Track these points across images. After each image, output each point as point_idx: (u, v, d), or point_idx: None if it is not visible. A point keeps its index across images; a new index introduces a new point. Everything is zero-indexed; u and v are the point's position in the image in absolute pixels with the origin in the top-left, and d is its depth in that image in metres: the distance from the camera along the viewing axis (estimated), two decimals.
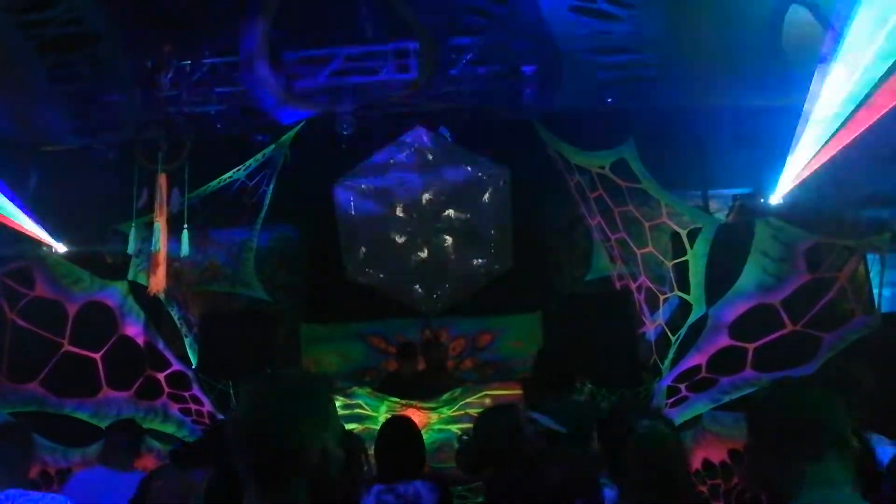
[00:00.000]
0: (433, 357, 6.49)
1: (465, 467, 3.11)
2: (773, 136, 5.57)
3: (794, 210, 5.53)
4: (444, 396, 5.86)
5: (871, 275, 5.34)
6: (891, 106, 4.30)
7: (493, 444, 2.66)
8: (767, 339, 4.77)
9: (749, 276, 4.86)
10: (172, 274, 5.80)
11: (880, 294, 5.08)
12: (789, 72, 5.06)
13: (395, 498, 2.81)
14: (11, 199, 5.91)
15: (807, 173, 5.05)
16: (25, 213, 6.03)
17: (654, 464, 2.15)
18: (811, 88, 4.54)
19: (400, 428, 3.36)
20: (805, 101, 4.71)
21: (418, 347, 6.67)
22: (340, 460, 1.42)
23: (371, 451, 3.28)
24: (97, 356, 5.29)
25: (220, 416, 5.71)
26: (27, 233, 6.10)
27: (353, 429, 5.07)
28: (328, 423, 1.42)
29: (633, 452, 2.20)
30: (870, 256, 5.24)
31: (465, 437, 3.65)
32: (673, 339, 5.31)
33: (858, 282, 4.91)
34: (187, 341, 6.47)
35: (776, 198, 5.84)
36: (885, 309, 5.05)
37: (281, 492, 1.35)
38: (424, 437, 5.58)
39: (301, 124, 6.65)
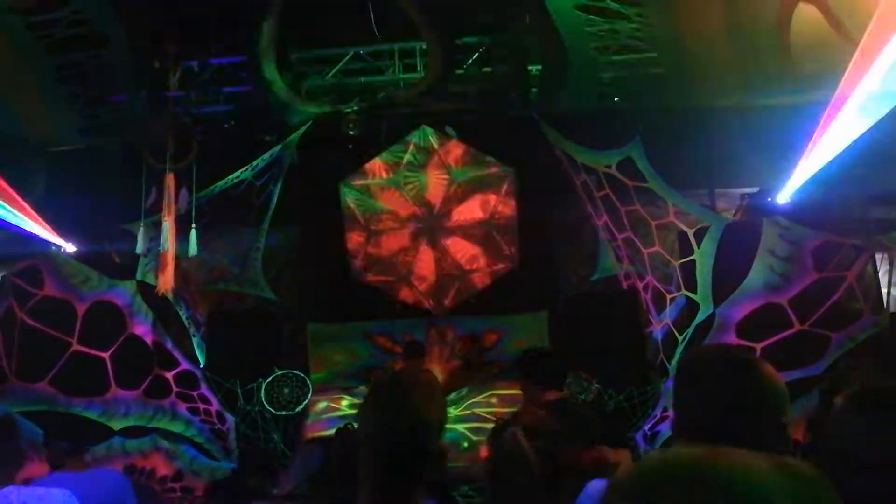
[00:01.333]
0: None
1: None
2: (780, 134, 5.55)
3: (802, 209, 5.51)
4: (451, 396, 5.87)
5: (880, 274, 5.32)
6: None
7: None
8: (775, 338, 4.77)
9: (756, 275, 4.85)
10: (180, 273, 5.81)
11: (889, 293, 5.06)
12: (797, 70, 5.04)
13: None
14: (19, 199, 5.94)
15: (814, 172, 5.02)
16: (34, 213, 6.06)
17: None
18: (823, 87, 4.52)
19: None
20: (814, 99, 4.69)
21: (423, 345, 6.71)
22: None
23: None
24: (106, 355, 5.32)
25: (228, 415, 5.74)
26: (35, 233, 6.13)
27: None
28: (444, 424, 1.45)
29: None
30: (878, 255, 5.22)
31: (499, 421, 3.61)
32: (680, 338, 5.30)
33: (867, 281, 4.89)
34: (195, 340, 6.49)
35: (784, 197, 5.82)
36: (893, 308, 5.03)
37: (408, 490, 1.34)
38: None
39: (308, 124, 6.66)
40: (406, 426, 1.36)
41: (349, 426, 2.89)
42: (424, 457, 1.35)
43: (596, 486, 2.64)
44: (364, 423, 1.45)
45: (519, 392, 5.46)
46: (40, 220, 6.23)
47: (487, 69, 6.61)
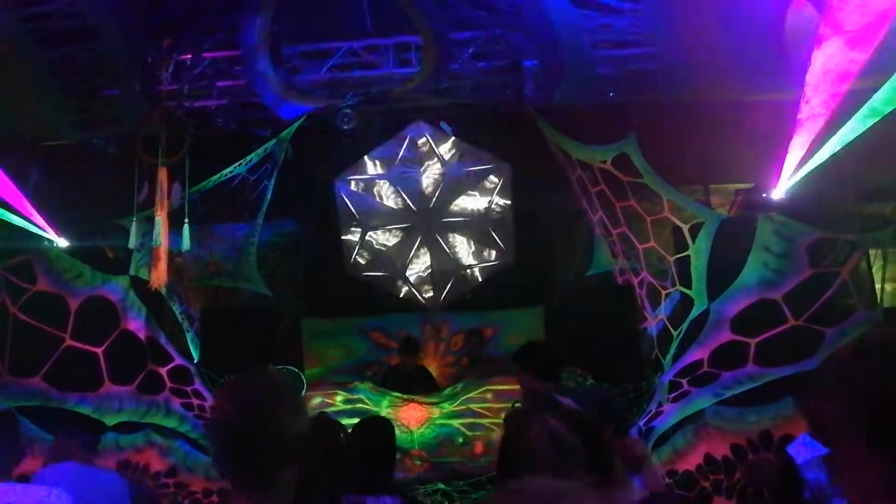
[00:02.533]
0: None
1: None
2: (774, 130, 5.56)
3: (796, 205, 5.52)
4: (446, 391, 5.87)
5: (873, 270, 5.34)
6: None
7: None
8: (769, 333, 4.78)
9: (751, 270, 4.86)
10: (174, 268, 5.79)
11: (882, 289, 5.08)
12: (791, 66, 5.04)
13: None
14: (12, 194, 5.90)
15: (808, 168, 5.03)
16: (26, 207, 6.02)
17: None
18: (811, 80, 4.53)
19: (372, 434, 3.12)
20: (805, 94, 4.69)
21: (419, 340, 6.71)
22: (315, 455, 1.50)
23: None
24: (99, 351, 5.30)
25: None
26: (28, 228, 6.10)
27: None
28: (304, 419, 1.53)
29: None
30: (871, 251, 5.24)
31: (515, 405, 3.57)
32: (675, 333, 5.31)
33: (860, 277, 4.91)
34: (189, 336, 6.47)
35: (778, 192, 5.83)
36: (886, 304, 5.06)
37: (270, 488, 1.42)
38: (426, 431, 5.65)
39: (302, 119, 6.63)
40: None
41: (322, 415, 2.88)
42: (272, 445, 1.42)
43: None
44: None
45: (514, 387, 5.48)
46: (33, 214, 6.20)
47: (483, 64, 6.59)
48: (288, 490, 1.44)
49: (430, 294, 7.58)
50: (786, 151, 5.21)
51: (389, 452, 3.10)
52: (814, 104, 4.60)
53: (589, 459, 1.88)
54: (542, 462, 1.76)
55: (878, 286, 5.16)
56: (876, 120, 4.47)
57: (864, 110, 4.53)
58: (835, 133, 4.83)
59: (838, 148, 4.77)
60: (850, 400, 1.06)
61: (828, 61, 4.30)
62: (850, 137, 4.67)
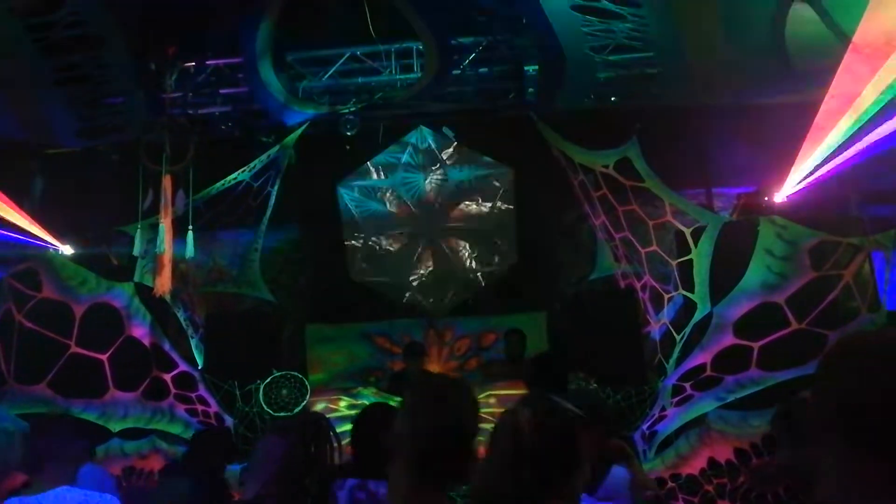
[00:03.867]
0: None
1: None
2: (777, 134, 5.56)
3: (799, 208, 5.51)
4: None
5: (876, 272, 5.33)
6: None
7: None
8: (772, 337, 4.78)
9: (754, 274, 4.86)
10: (178, 275, 5.81)
11: (885, 291, 5.07)
12: (793, 69, 5.05)
13: (368, 496, 2.69)
14: (16, 202, 5.94)
15: (813, 172, 5.03)
16: (30, 215, 6.05)
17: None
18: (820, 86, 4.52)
19: (377, 416, 3.01)
20: (811, 98, 4.70)
21: (423, 345, 6.71)
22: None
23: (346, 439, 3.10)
24: (104, 357, 5.32)
25: (227, 416, 5.74)
26: (33, 235, 6.13)
27: None
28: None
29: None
30: (875, 254, 5.23)
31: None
32: (678, 337, 5.31)
33: (863, 279, 4.90)
34: (193, 342, 6.48)
35: (780, 196, 5.83)
36: (890, 307, 5.04)
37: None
38: None
39: (305, 125, 6.66)
40: (445, 431, 1.44)
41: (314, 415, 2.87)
42: (457, 461, 1.42)
43: (619, 472, 2.62)
44: (402, 423, 1.52)
45: (519, 392, 5.49)
46: (38, 222, 6.24)
47: (484, 69, 6.62)
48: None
49: (434, 299, 7.58)
50: (788, 155, 5.21)
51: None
52: (830, 109, 4.56)
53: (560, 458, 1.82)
54: (500, 453, 1.72)
55: (881, 288, 5.15)
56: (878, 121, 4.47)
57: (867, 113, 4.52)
58: (839, 136, 4.83)
59: (845, 153, 4.76)
60: (824, 401, 1.08)
61: (846, 69, 4.28)
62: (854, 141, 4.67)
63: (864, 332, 1.12)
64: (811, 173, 5.00)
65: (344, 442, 2.94)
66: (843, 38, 4.25)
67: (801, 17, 4.73)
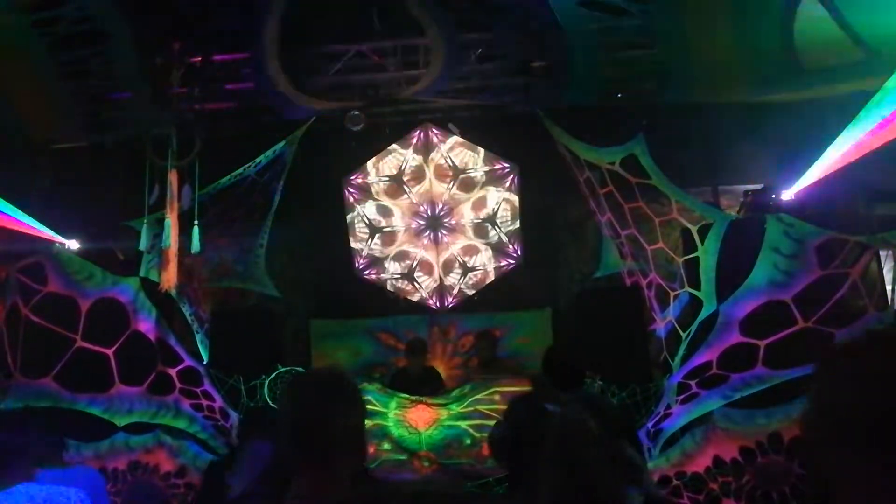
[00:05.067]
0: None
1: (494, 453, 3.04)
2: (784, 131, 5.54)
3: (806, 206, 5.49)
4: (454, 393, 5.88)
5: (884, 271, 5.31)
6: None
7: (525, 429, 2.58)
8: (779, 335, 4.76)
9: (760, 272, 4.84)
10: (184, 270, 5.82)
11: (893, 290, 5.04)
12: (802, 67, 5.02)
13: None
14: (23, 197, 5.95)
15: (827, 171, 5.00)
16: (34, 212, 6.06)
17: (567, 449, 2.07)
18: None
19: None
20: (819, 95, 4.67)
21: (425, 341, 6.71)
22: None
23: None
24: (110, 352, 5.33)
25: (232, 411, 5.75)
26: (39, 230, 6.15)
27: None
28: (364, 412, 1.72)
29: (550, 437, 2.12)
30: (882, 252, 5.20)
31: (495, 429, 3.60)
32: (683, 335, 5.29)
33: (871, 278, 4.87)
34: (198, 337, 6.50)
35: (788, 193, 5.80)
36: None
37: (334, 478, 1.57)
38: (434, 432, 5.66)
39: (311, 121, 6.65)
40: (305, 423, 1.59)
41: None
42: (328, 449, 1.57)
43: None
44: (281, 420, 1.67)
45: (523, 389, 5.49)
46: (44, 217, 6.26)
47: (490, 65, 6.60)
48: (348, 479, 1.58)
49: (438, 295, 7.58)
50: (796, 152, 5.19)
51: None
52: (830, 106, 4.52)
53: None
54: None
55: (888, 287, 5.12)
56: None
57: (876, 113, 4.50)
58: (849, 135, 4.81)
59: (855, 152, 4.74)
60: (818, 404, 1.12)
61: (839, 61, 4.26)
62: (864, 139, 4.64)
63: (849, 340, 1.15)
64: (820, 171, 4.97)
65: None
66: (853, 35, 4.22)
67: (811, 14, 4.70)
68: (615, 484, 2.05)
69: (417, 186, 7.43)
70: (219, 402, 5.74)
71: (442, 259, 7.56)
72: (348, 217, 7.49)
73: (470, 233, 7.55)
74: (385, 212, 7.58)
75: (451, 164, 7.33)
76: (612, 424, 2.59)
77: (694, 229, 5.28)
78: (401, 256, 7.65)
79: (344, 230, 7.51)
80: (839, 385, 1.10)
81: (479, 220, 7.47)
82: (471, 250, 7.58)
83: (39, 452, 2.61)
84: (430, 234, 7.53)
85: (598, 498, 1.94)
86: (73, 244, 6.42)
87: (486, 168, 7.36)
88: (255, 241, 7.17)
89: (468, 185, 7.43)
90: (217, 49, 6.41)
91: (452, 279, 7.58)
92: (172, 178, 5.31)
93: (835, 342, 1.15)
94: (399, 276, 7.65)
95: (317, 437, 1.56)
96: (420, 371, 6.45)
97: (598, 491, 1.94)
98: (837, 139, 4.78)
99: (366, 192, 7.51)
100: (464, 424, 5.65)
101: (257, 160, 6.59)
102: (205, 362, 6.11)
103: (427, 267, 7.62)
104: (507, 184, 7.36)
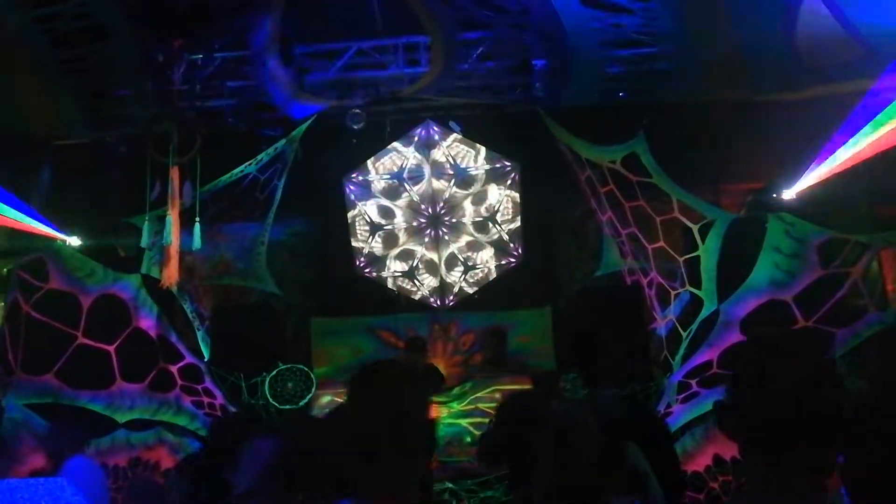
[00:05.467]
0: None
1: (487, 458, 3.03)
2: (785, 130, 5.53)
3: (807, 205, 5.49)
4: (455, 390, 5.89)
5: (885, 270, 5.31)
6: None
7: (517, 430, 2.57)
8: None
9: (761, 271, 4.84)
10: (185, 267, 5.82)
11: (894, 289, 5.04)
12: (803, 65, 5.01)
13: None
14: (24, 193, 5.95)
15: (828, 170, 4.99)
16: (35, 209, 6.06)
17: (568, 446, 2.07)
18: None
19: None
20: (820, 95, 4.67)
21: (427, 341, 6.70)
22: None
23: None
24: (111, 348, 5.34)
25: (232, 409, 5.76)
26: (40, 227, 6.15)
27: None
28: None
29: (549, 431, 2.12)
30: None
31: (486, 429, 3.58)
32: (684, 334, 5.29)
33: (872, 277, 4.88)
34: (199, 334, 6.51)
35: (789, 193, 5.80)
36: None
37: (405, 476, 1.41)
38: None
39: (312, 119, 6.65)
40: (385, 421, 1.39)
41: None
42: (406, 450, 1.39)
43: None
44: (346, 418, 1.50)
45: (523, 387, 5.49)
46: (45, 213, 6.25)
47: (491, 64, 6.59)
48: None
49: (439, 293, 7.58)
50: (798, 151, 5.18)
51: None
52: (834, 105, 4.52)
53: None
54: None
55: (889, 287, 5.13)
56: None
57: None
58: (851, 135, 4.80)
59: (855, 152, 4.73)
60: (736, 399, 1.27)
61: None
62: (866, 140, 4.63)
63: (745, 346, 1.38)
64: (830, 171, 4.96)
65: None
66: (855, 34, 4.21)
67: (813, 13, 4.69)
68: (608, 486, 2.04)
69: (418, 185, 7.43)
70: (220, 398, 5.75)
71: (443, 257, 7.57)
72: (349, 215, 7.49)
73: (471, 231, 7.55)
74: (386, 210, 7.58)
75: (452, 162, 7.32)
76: (619, 428, 2.59)
77: (695, 228, 5.28)
78: (401, 255, 7.66)
79: (345, 228, 7.51)
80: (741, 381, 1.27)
81: (480, 219, 7.47)
82: (472, 248, 7.58)
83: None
84: (430, 233, 7.53)
85: (587, 497, 1.93)
86: (75, 241, 6.42)
87: (487, 166, 7.35)
88: (256, 239, 7.17)
89: (469, 184, 7.43)
90: (218, 46, 6.41)
91: (453, 277, 7.58)
92: (174, 175, 5.30)
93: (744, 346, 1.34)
94: (400, 274, 7.65)
95: (390, 437, 1.37)
96: (420, 368, 6.45)
97: (588, 490, 1.93)
98: (838, 138, 4.77)
99: (367, 190, 7.51)
100: (464, 422, 5.66)
101: (258, 158, 6.59)
102: (206, 359, 6.11)
103: (428, 265, 7.62)
104: (508, 182, 7.36)
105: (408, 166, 7.36)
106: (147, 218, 5.37)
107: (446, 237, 7.54)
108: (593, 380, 3.71)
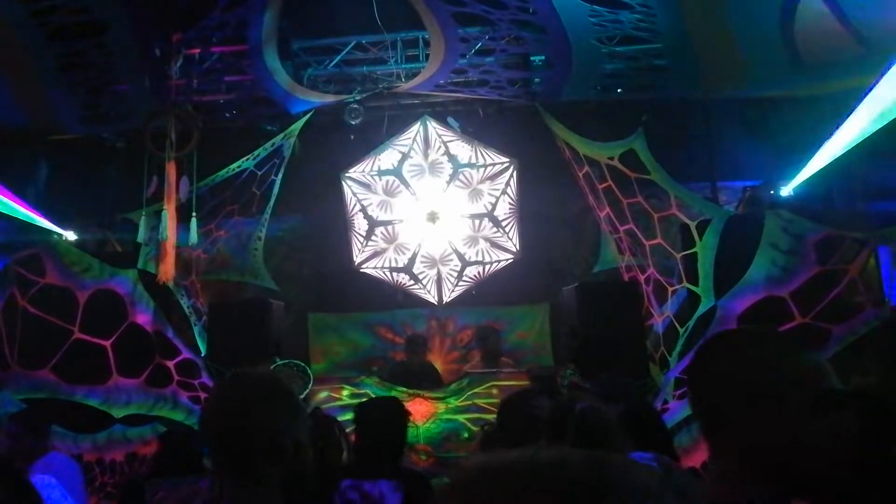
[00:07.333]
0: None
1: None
2: (783, 127, 5.53)
3: (805, 202, 5.49)
4: (452, 386, 5.88)
5: (882, 267, 5.31)
6: None
7: (519, 429, 2.57)
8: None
9: (758, 268, 4.84)
10: (182, 263, 5.81)
11: (891, 286, 5.05)
12: (802, 62, 5.01)
13: (361, 496, 2.67)
14: (20, 188, 5.94)
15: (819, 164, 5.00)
16: (33, 202, 6.06)
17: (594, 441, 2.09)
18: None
19: (379, 413, 2.99)
20: (818, 92, 4.67)
21: (426, 337, 6.70)
22: (310, 453, 1.53)
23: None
24: (107, 344, 5.32)
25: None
26: (36, 221, 6.14)
27: None
28: (297, 418, 1.52)
29: (570, 430, 2.13)
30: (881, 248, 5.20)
31: (486, 427, 3.57)
32: (681, 331, 5.29)
33: (869, 274, 4.88)
34: (196, 330, 6.50)
35: (786, 189, 5.80)
36: (895, 302, 5.02)
37: (258, 484, 1.44)
38: (432, 426, 5.66)
39: (310, 114, 6.64)
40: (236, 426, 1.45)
41: (315, 411, 2.86)
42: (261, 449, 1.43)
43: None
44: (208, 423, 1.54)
45: (520, 383, 5.49)
46: (42, 208, 6.24)
47: (490, 59, 6.58)
48: (276, 486, 1.45)
49: (436, 289, 7.58)
50: (795, 148, 5.18)
51: (399, 432, 2.99)
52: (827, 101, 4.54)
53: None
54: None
55: (886, 283, 5.13)
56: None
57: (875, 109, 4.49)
58: (846, 131, 4.80)
59: (850, 146, 4.74)
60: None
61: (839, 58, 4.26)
62: (861, 136, 4.64)
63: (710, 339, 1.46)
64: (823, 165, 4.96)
65: (348, 430, 2.94)
66: (853, 31, 4.21)
67: (811, 10, 4.68)
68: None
69: (416, 180, 7.41)
70: None
71: (441, 253, 7.56)
72: (347, 210, 7.48)
73: (468, 227, 7.54)
74: (383, 205, 7.56)
75: (449, 157, 7.31)
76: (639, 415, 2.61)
77: (692, 225, 5.27)
78: (399, 250, 7.64)
79: (342, 223, 7.50)
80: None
81: (478, 214, 7.46)
82: (469, 244, 7.57)
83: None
84: (428, 228, 7.52)
85: None
86: (71, 235, 6.41)
87: (485, 162, 7.34)
88: (253, 234, 7.16)
89: (467, 179, 7.41)
90: (216, 41, 6.39)
91: (451, 273, 7.57)
92: (170, 169, 5.30)
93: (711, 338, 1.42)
94: (398, 270, 7.65)
95: (236, 442, 1.43)
96: (418, 365, 6.46)
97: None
98: (835, 134, 4.77)
99: (364, 186, 7.49)
100: (461, 418, 5.65)
101: (256, 153, 6.57)
102: (202, 354, 6.10)
103: (426, 261, 7.61)
104: (506, 178, 7.35)
105: (406, 162, 7.35)
106: (144, 213, 5.36)
107: (444, 232, 7.53)
108: (591, 376, 3.70)
